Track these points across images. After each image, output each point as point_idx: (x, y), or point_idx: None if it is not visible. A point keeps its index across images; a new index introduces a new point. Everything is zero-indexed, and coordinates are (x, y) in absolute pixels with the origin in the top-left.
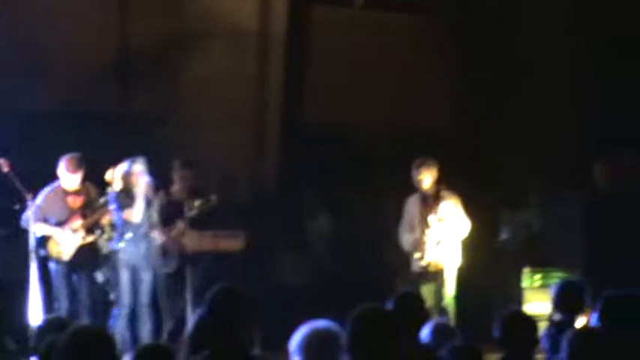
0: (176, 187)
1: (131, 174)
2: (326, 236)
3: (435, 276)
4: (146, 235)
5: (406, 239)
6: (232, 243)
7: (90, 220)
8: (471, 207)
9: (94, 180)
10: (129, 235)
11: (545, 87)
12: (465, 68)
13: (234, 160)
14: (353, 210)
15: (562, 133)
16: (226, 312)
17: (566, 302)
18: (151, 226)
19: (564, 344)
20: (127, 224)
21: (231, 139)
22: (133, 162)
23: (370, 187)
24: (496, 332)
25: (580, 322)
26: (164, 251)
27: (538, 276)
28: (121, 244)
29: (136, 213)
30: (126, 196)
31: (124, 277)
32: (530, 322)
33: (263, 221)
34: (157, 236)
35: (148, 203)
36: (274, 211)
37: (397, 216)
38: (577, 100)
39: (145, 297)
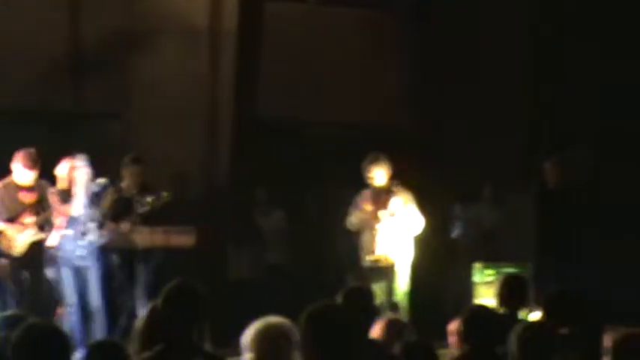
0: (126, 183)
1: (72, 170)
2: (278, 231)
3: (386, 271)
4: (87, 232)
5: (353, 220)
6: (184, 239)
7: (42, 217)
8: (423, 202)
9: (47, 177)
10: (68, 232)
11: (500, 86)
12: (419, 65)
13: (186, 157)
14: (305, 205)
15: (514, 130)
16: (183, 308)
17: (510, 297)
18: (93, 222)
19: (512, 338)
20: (66, 220)
21: (184, 135)
22: (74, 158)
23: (322, 182)
24: (459, 328)
25: (522, 315)
26: (108, 248)
27: (490, 271)
28: (60, 241)
29: (75, 208)
30: (67, 193)
31: (66, 274)
32: (494, 317)
33: (215, 217)
34: (102, 232)
35: (90, 199)
36: (226, 207)
37: (349, 212)
38: (530, 98)
39: (92, 295)
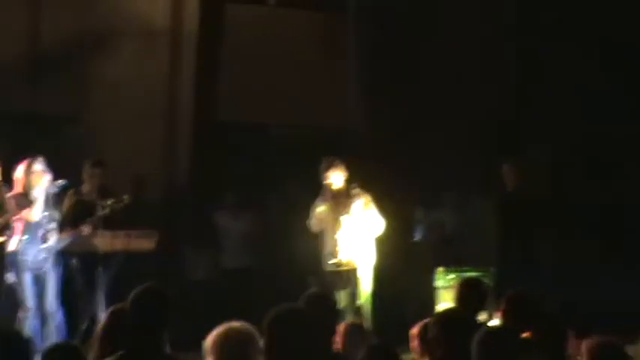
0: (86, 187)
1: (30, 173)
2: (239, 235)
3: (348, 276)
4: (47, 236)
5: (313, 221)
6: (145, 242)
7: (1, 221)
8: (384, 206)
9: (4, 180)
10: (27, 236)
11: (456, 88)
12: (380, 67)
13: (146, 159)
14: (265, 208)
15: (476, 133)
16: (153, 312)
17: (468, 299)
18: (54, 227)
19: (473, 344)
20: (26, 225)
21: (144, 137)
22: (32, 161)
23: (282, 185)
24: (431, 332)
25: (481, 319)
26: (68, 252)
27: (452, 275)
28: (20, 245)
29: (35, 213)
30: (25, 197)
31: (27, 279)
32: (468, 321)
33: (175, 220)
34: (61, 236)
35: (49, 203)
36: (187, 210)
37: (309, 215)
38: (488, 100)
39: (49, 299)
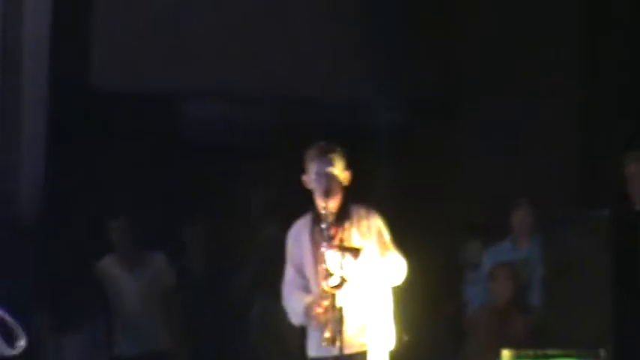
0: None
1: None
2: (137, 296)
3: None
4: None
5: (296, 302)
6: None
7: None
8: (412, 238)
9: None
10: None
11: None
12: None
13: None
14: (185, 247)
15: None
16: None
17: None
18: None
19: None
20: None
21: None
22: None
23: (216, 202)
24: None
25: None
26: None
27: None
28: None
29: None
30: None
31: None
32: None
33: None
34: None
35: None
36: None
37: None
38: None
39: None
